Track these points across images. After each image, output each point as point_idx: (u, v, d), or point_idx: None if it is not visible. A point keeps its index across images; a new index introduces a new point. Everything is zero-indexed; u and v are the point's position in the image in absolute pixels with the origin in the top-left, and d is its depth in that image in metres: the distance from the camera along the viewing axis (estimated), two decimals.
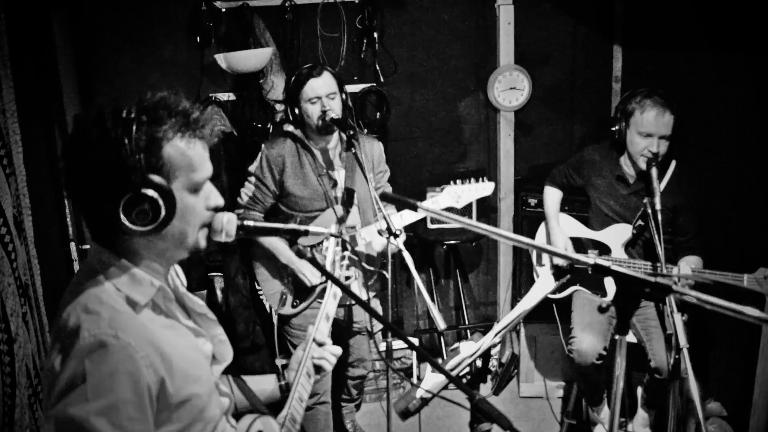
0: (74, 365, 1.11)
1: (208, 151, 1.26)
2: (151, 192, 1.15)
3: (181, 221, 1.22)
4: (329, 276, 1.46)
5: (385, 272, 2.83)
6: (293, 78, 2.66)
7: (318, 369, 1.64)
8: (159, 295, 1.26)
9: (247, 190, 2.74)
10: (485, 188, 2.80)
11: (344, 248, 1.83)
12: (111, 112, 1.17)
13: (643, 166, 2.67)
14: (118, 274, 1.21)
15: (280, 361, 2.97)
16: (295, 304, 2.77)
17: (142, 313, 1.22)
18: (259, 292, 2.89)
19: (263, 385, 1.64)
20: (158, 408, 1.18)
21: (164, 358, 1.18)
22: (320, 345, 1.65)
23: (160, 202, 1.16)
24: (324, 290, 2.64)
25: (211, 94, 3.36)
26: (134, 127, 1.15)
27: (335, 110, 2.61)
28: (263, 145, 2.73)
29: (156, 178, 1.16)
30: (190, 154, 1.21)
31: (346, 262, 1.85)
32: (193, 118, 1.23)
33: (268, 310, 3.35)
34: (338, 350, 1.68)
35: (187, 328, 1.32)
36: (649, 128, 2.62)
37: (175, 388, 1.20)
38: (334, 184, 2.74)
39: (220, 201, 1.30)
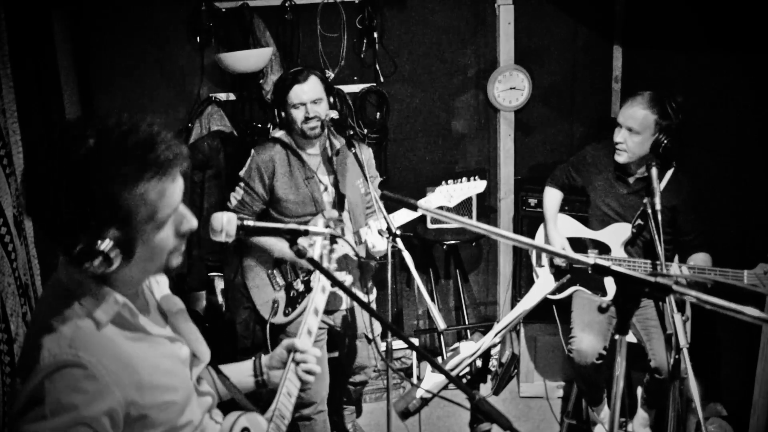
0: (34, 384, 1.10)
1: (175, 183, 1.17)
2: (105, 245, 1.08)
3: (146, 255, 1.17)
4: (329, 275, 1.46)
5: (373, 263, 2.82)
6: (279, 82, 2.68)
7: (307, 373, 1.61)
8: (125, 310, 1.22)
9: (236, 195, 2.73)
10: (477, 186, 2.80)
11: (333, 242, 1.82)
12: (68, 148, 1.07)
13: (614, 156, 2.74)
14: (83, 291, 1.19)
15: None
16: (287, 312, 2.76)
17: (106, 328, 1.19)
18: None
19: (240, 375, 1.62)
20: (129, 421, 1.17)
21: (131, 372, 1.17)
22: (302, 352, 1.61)
23: (116, 252, 1.10)
24: None
25: (211, 94, 3.36)
26: (90, 176, 1.06)
27: (320, 115, 2.61)
28: (252, 151, 2.74)
29: (111, 232, 1.09)
30: (151, 198, 1.12)
31: (335, 255, 1.84)
32: (157, 158, 1.11)
33: None
34: (318, 351, 1.65)
35: (159, 336, 1.30)
36: (618, 117, 2.70)
37: (146, 399, 1.19)
38: (324, 189, 2.74)
39: (192, 224, 1.23)
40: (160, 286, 1.45)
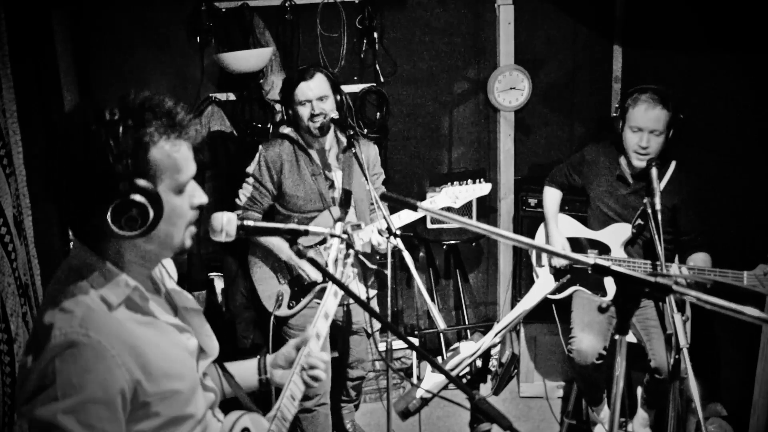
0: (44, 364, 1.11)
1: (192, 151, 1.26)
2: (138, 197, 1.15)
3: (167, 223, 1.21)
4: (329, 276, 1.46)
5: (384, 270, 2.82)
6: (287, 80, 2.70)
7: (313, 379, 1.60)
8: (135, 294, 1.25)
9: (245, 192, 2.75)
10: (482, 189, 2.81)
11: (349, 246, 1.81)
12: (93, 115, 1.15)
13: (635, 162, 2.68)
14: (96, 274, 1.21)
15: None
16: (291, 305, 2.77)
17: (117, 311, 1.21)
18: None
19: (245, 373, 1.62)
20: (134, 406, 1.18)
21: (140, 356, 1.18)
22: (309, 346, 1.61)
23: (149, 206, 1.16)
24: (322, 290, 2.64)
25: (211, 94, 3.36)
26: (120, 132, 1.13)
27: (327, 112, 2.62)
28: (260, 147, 2.75)
29: (143, 183, 1.16)
30: (175, 156, 1.20)
31: (350, 260, 1.83)
32: (178, 119, 1.21)
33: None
34: (326, 356, 1.65)
35: (168, 324, 1.31)
36: (638, 122, 2.63)
37: (153, 385, 1.20)
38: (331, 185, 2.75)
39: (204, 199, 1.29)
40: (171, 280, 1.46)
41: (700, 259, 2.64)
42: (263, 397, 1.95)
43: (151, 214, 1.16)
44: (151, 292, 1.32)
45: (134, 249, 1.24)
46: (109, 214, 1.14)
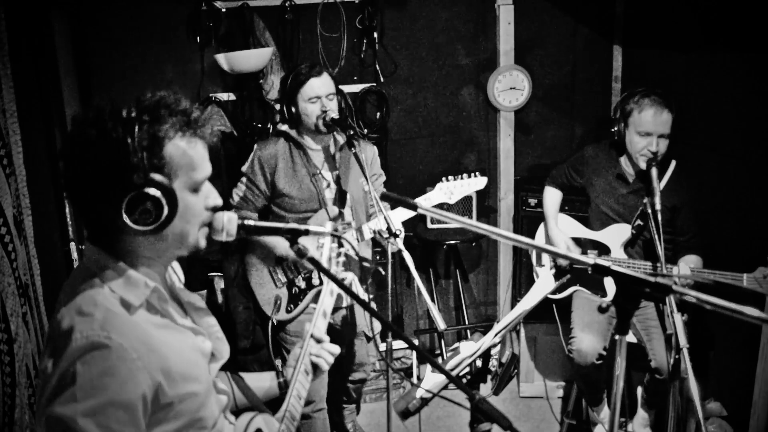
0: (65, 366, 1.10)
1: (207, 151, 1.27)
2: (153, 191, 1.15)
3: (181, 220, 1.22)
4: (329, 275, 1.46)
5: (381, 269, 2.82)
6: (291, 76, 2.64)
7: (315, 367, 1.63)
8: (154, 296, 1.25)
9: (238, 191, 2.73)
10: (477, 183, 2.77)
11: (340, 245, 1.82)
12: (110, 112, 1.16)
13: (642, 165, 2.67)
14: (113, 276, 1.21)
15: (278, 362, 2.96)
16: (289, 308, 2.76)
17: (136, 314, 1.21)
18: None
19: (260, 382, 1.64)
20: (154, 409, 1.17)
21: (160, 358, 1.18)
22: (318, 342, 1.64)
23: (163, 201, 1.16)
24: (318, 293, 2.64)
25: (211, 94, 3.36)
26: (136, 127, 1.15)
27: (334, 111, 2.61)
28: (255, 146, 2.72)
29: (158, 177, 1.17)
30: (191, 153, 1.21)
31: (342, 258, 1.84)
32: (193, 117, 1.23)
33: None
34: (336, 348, 1.67)
35: (184, 327, 1.32)
36: (647, 127, 2.63)
37: (172, 388, 1.19)
38: (327, 185, 2.73)
39: (219, 201, 1.30)
40: (178, 281, 1.46)
41: (691, 261, 2.64)
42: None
43: (166, 208, 1.17)
44: (166, 294, 1.32)
45: (149, 246, 1.24)
46: (124, 207, 1.14)
